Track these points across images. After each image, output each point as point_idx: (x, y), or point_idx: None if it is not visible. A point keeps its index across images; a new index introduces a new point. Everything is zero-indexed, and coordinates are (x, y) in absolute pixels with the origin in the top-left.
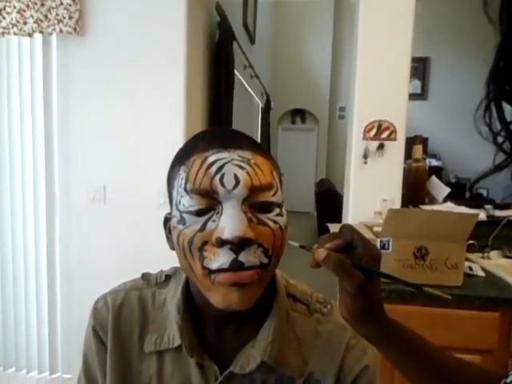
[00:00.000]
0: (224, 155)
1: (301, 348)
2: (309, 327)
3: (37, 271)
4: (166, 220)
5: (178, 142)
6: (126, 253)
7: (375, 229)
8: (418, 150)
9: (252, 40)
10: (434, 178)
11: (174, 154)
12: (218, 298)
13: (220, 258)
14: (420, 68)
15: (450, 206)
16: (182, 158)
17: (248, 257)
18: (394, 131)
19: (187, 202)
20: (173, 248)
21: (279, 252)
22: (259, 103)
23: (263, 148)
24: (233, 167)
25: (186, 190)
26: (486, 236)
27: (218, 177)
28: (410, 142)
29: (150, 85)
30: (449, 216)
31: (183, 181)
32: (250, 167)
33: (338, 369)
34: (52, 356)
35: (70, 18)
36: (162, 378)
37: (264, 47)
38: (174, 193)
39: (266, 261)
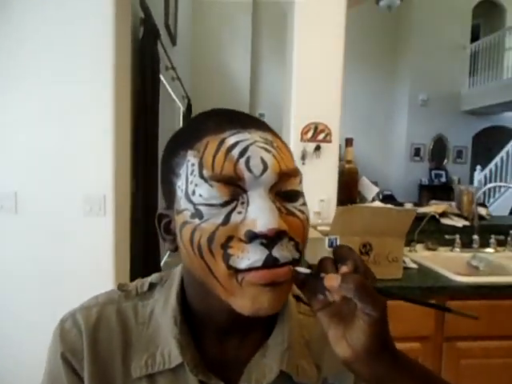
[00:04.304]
0: (245, 136)
1: (311, 352)
2: (316, 329)
3: None
4: (161, 217)
5: (105, 143)
6: (43, 271)
7: (319, 228)
8: (350, 151)
9: (173, 41)
10: (364, 178)
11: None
12: (246, 301)
13: (250, 255)
14: None
15: (378, 205)
16: (187, 141)
17: (281, 252)
18: (329, 133)
19: (207, 192)
20: (174, 249)
21: (305, 246)
22: (180, 107)
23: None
24: (258, 149)
25: (202, 177)
26: (411, 231)
27: (242, 160)
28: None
29: (74, 76)
30: (390, 212)
31: (195, 167)
32: (275, 150)
33: None
34: None
35: None
36: None
37: (184, 49)
38: (180, 183)
39: (297, 255)
